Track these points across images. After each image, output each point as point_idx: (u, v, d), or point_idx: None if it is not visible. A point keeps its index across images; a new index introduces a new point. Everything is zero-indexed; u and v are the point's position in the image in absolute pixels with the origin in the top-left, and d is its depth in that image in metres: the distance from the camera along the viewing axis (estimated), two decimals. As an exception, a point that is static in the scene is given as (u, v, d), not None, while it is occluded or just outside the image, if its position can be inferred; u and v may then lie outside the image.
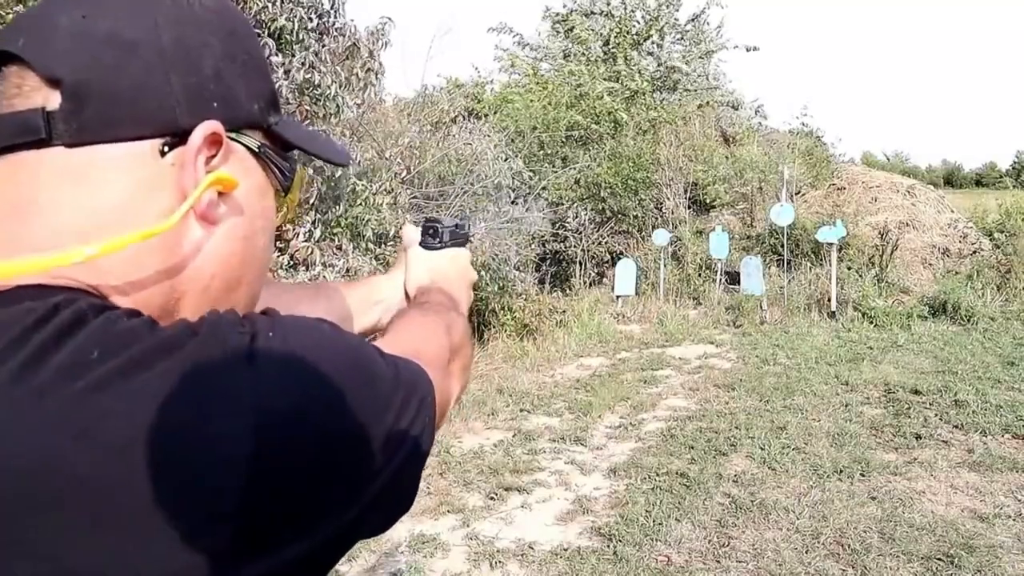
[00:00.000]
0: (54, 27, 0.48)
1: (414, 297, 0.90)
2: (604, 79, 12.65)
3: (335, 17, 5.32)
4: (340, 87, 4.79)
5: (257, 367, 0.44)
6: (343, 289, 0.93)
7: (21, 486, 0.39)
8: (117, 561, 0.39)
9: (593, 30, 14.29)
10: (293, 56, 4.65)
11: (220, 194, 0.52)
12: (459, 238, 0.96)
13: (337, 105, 4.74)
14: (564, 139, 10.60)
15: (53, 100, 0.47)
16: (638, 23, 14.31)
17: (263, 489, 0.42)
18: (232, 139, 0.53)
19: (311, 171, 4.86)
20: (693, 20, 14.93)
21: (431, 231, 0.94)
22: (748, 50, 15.03)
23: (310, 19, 4.93)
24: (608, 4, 14.35)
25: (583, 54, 13.94)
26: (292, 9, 4.65)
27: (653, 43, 14.58)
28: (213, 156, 0.51)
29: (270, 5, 4.47)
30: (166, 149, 0.49)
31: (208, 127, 0.50)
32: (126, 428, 0.40)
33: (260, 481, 0.42)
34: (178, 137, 0.49)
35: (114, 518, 0.39)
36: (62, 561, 0.39)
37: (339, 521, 0.46)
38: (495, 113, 10.46)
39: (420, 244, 0.95)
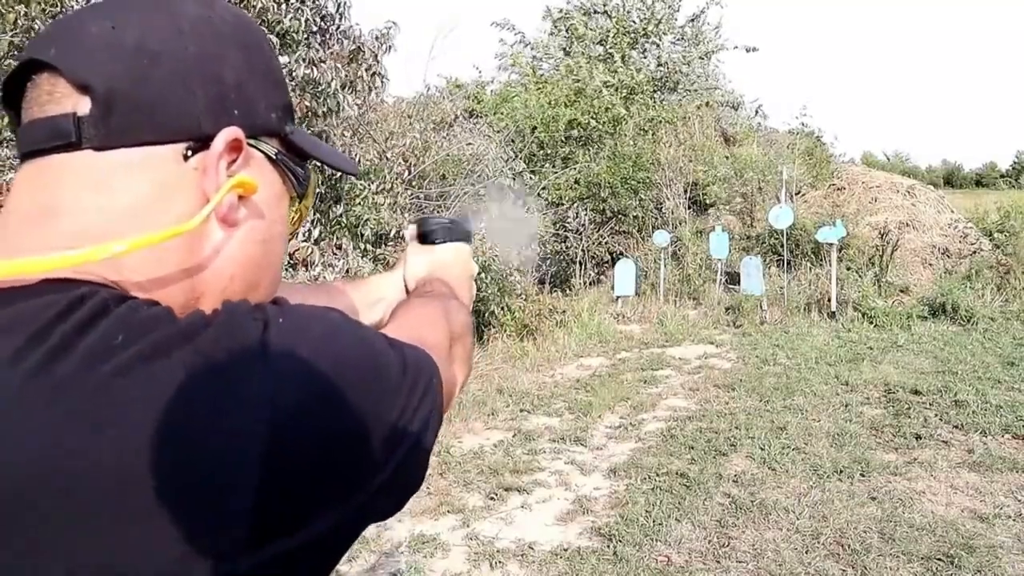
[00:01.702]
0: (84, 37, 0.50)
1: (414, 289, 0.92)
2: (605, 74, 12.67)
3: (339, 20, 5.34)
4: (343, 88, 4.80)
5: (270, 359, 0.45)
6: (346, 287, 0.95)
7: (30, 483, 0.39)
8: (124, 554, 0.40)
9: (593, 28, 14.32)
10: (294, 53, 4.66)
11: (240, 198, 0.54)
12: (459, 234, 0.97)
13: (338, 103, 4.75)
14: (564, 139, 10.60)
15: (83, 106, 0.49)
16: (635, 22, 14.33)
17: (275, 485, 0.42)
18: (252, 146, 0.55)
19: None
20: (692, 20, 14.94)
21: (425, 227, 0.96)
22: (748, 51, 15.06)
23: (314, 21, 4.95)
24: (605, 4, 14.37)
25: (582, 52, 13.96)
26: (298, 8, 4.66)
27: (652, 42, 14.60)
28: (234, 161, 0.53)
29: (275, 6, 4.49)
30: (189, 153, 0.51)
31: (230, 133, 0.52)
32: (144, 418, 0.40)
33: (273, 476, 0.42)
34: (201, 142, 0.51)
35: (125, 511, 0.40)
36: (69, 556, 0.39)
37: (346, 511, 0.47)
38: (495, 113, 10.46)
39: (418, 240, 0.97)
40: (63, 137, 0.49)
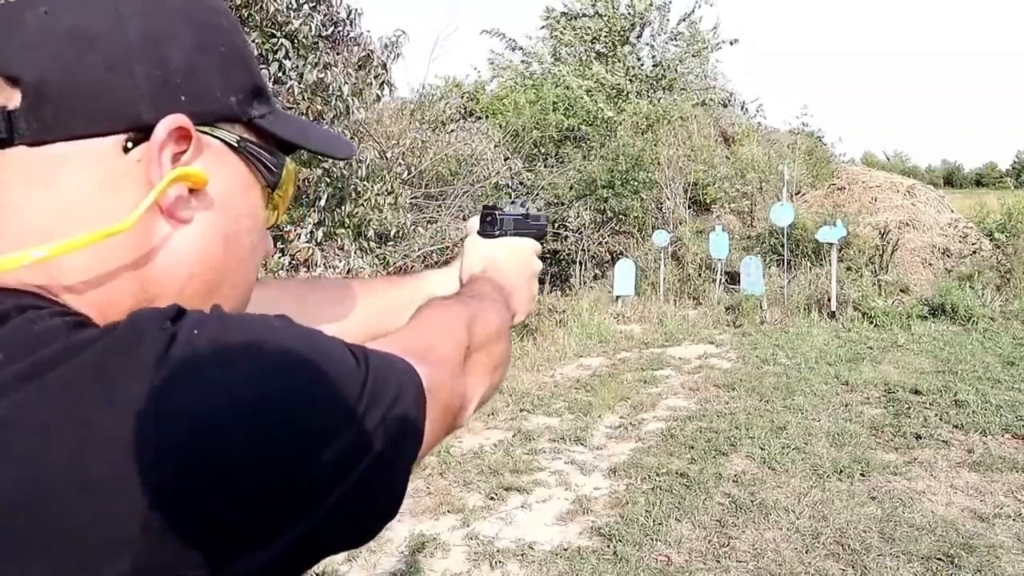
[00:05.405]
0: (18, 26, 0.47)
1: (460, 287, 0.86)
2: (584, 79, 12.77)
3: (351, 27, 5.40)
4: (352, 94, 4.86)
5: (169, 373, 0.39)
6: (384, 285, 0.89)
7: None
8: None
9: (587, 28, 14.38)
10: (306, 58, 4.70)
11: (192, 191, 0.50)
12: (528, 229, 0.91)
13: (347, 105, 4.79)
14: (559, 140, 10.64)
15: (14, 99, 0.46)
16: (623, 18, 14.38)
17: (168, 509, 0.37)
18: (205, 133, 0.51)
19: (319, 171, 4.89)
20: (684, 19, 14.98)
21: (488, 218, 0.89)
22: (731, 43, 15.15)
23: (325, 27, 4.99)
24: (594, 4, 14.43)
25: (574, 56, 14.05)
26: (309, 14, 4.70)
27: (645, 43, 14.67)
28: (183, 152, 0.49)
29: (285, 8, 4.52)
30: (130, 145, 0.47)
31: (173, 121, 0.48)
32: (18, 441, 0.37)
33: (164, 500, 0.37)
34: (143, 132, 0.48)
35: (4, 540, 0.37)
36: None
37: (278, 537, 0.41)
38: (492, 115, 10.51)
39: (478, 232, 0.89)
40: None
